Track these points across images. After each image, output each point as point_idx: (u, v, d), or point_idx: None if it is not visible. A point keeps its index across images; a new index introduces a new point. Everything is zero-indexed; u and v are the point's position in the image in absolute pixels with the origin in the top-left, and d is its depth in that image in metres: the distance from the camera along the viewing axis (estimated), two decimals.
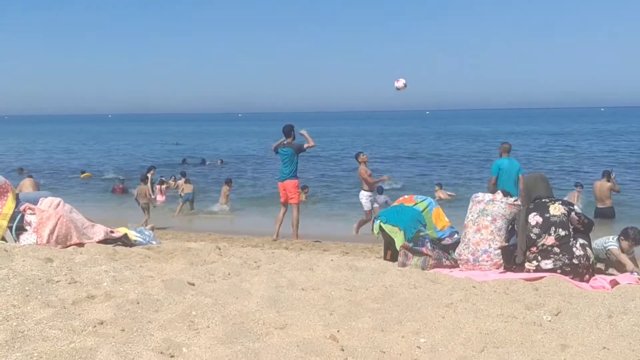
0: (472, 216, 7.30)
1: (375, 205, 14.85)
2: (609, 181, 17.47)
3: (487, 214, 7.18)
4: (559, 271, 6.48)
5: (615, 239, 8.15)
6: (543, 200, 6.91)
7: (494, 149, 43.04)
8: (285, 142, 13.71)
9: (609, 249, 8.07)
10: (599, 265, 8.25)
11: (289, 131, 13.79)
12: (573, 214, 6.79)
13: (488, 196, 7.33)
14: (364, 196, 14.76)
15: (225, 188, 21.29)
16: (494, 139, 60.96)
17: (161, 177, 20.98)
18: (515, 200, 7.27)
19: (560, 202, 6.91)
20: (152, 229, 11.67)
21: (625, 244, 8.05)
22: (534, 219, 6.76)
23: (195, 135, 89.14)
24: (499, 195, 7.32)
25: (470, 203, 7.49)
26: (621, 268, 7.93)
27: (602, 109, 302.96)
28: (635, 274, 7.05)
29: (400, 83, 14.19)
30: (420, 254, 7.51)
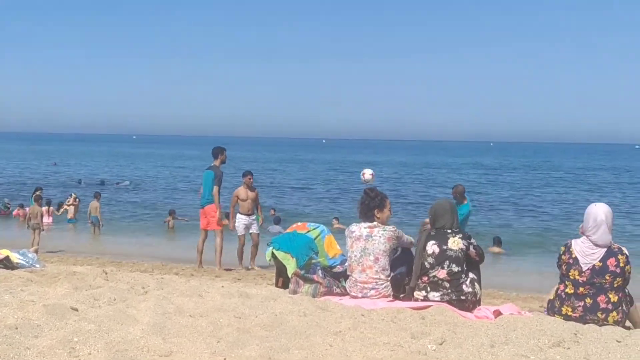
0: (355, 256, 7.16)
1: (252, 231, 14.23)
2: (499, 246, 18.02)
3: (369, 253, 7.08)
4: (445, 303, 6.58)
5: None
6: (445, 229, 6.92)
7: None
8: (212, 165, 13.35)
9: None
10: None
11: (216, 153, 13.37)
12: (471, 247, 6.86)
13: (365, 230, 7.19)
14: (238, 219, 14.23)
15: (169, 219, 21.78)
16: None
17: (48, 199, 20.68)
18: (394, 230, 7.20)
19: (461, 235, 6.90)
20: (37, 251, 11.28)
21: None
22: (432, 247, 6.80)
23: (74, 155, 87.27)
24: (375, 228, 7.20)
25: (348, 240, 7.27)
26: None
27: (491, 144, 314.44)
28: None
29: (367, 175, 11.67)
30: (312, 281, 7.51)
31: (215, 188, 13.03)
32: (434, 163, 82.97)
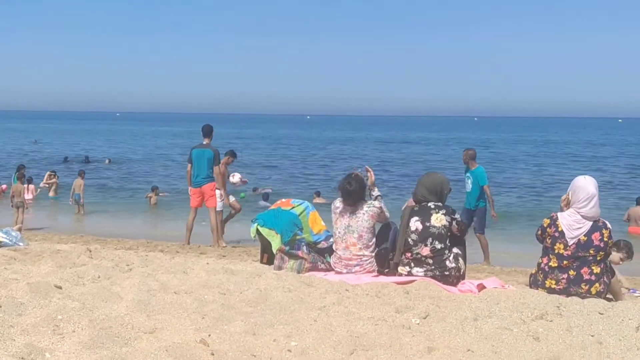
0: (339, 232, 7.20)
1: (231, 200, 14.46)
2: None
3: (353, 230, 7.11)
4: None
5: None
6: (429, 204, 6.88)
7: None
8: (203, 143, 13.18)
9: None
10: None
11: (209, 131, 13.12)
12: (454, 223, 6.83)
13: (348, 207, 7.20)
14: (218, 196, 13.98)
15: (151, 195, 21.75)
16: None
17: (29, 176, 20.54)
18: (379, 207, 7.19)
19: (444, 211, 6.84)
20: (20, 229, 11.24)
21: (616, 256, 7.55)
22: (415, 224, 6.79)
23: (55, 133, 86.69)
24: (360, 205, 7.16)
25: (333, 215, 7.30)
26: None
27: (476, 119, 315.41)
28: (637, 292, 7.09)
29: (235, 178, 14.30)
30: (296, 257, 7.53)
31: (216, 168, 12.95)
32: (414, 139, 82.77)
